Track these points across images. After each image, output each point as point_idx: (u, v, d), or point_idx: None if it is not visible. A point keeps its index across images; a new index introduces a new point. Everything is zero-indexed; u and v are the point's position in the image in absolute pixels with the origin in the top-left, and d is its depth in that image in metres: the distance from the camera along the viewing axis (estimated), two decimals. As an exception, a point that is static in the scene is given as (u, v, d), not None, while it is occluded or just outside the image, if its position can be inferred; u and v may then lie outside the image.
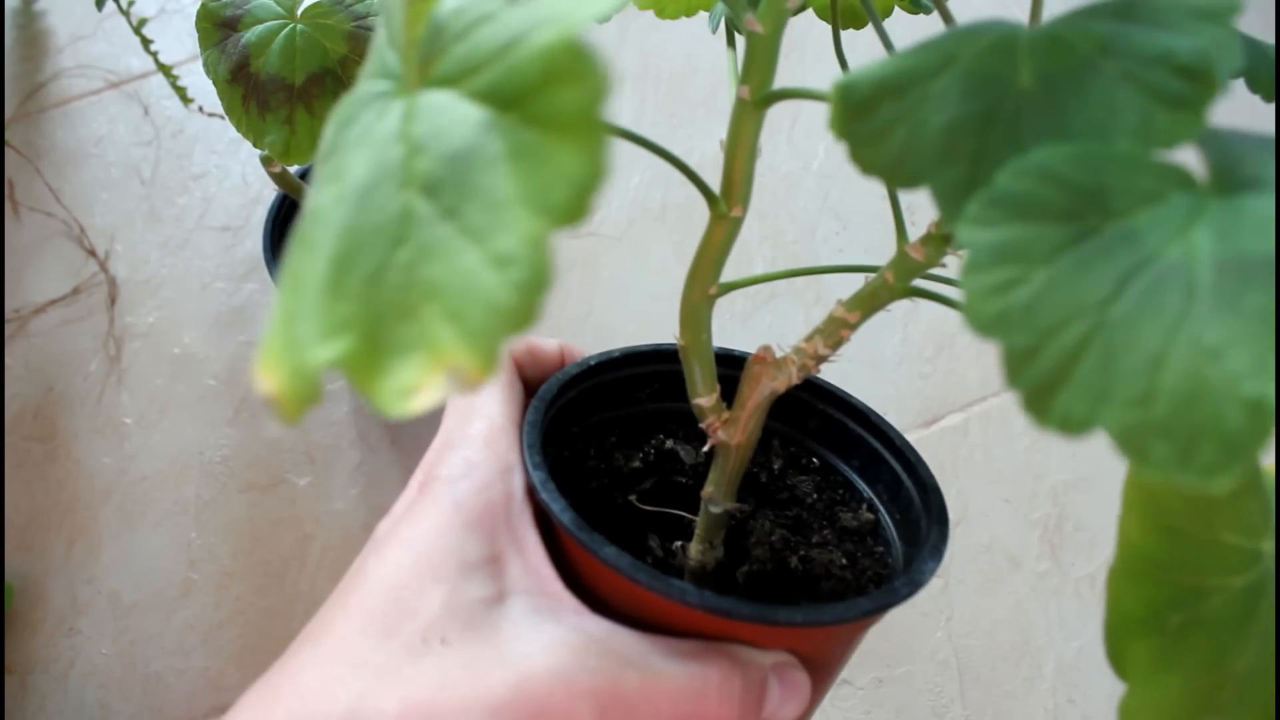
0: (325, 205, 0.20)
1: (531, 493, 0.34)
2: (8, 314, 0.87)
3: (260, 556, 0.80)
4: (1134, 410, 0.16)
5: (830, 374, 0.91)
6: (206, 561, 0.79)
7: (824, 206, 1.00)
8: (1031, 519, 0.86)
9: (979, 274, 0.17)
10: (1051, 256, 0.17)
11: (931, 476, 0.37)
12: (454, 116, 0.19)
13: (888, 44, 0.32)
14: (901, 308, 0.94)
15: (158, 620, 0.77)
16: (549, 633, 0.30)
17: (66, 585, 0.78)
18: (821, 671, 0.34)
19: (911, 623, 0.81)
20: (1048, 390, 0.17)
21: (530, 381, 0.38)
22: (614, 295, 0.94)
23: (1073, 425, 0.16)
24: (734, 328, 0.93)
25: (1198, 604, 0.21)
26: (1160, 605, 0.21)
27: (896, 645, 0.81)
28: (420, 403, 0.17)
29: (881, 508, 0.40)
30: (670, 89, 1.06)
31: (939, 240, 0.26)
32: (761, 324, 0.94)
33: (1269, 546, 0.22)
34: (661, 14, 0.39)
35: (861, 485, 0.41)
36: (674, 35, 1.08)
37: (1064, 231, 0.17)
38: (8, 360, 0.85)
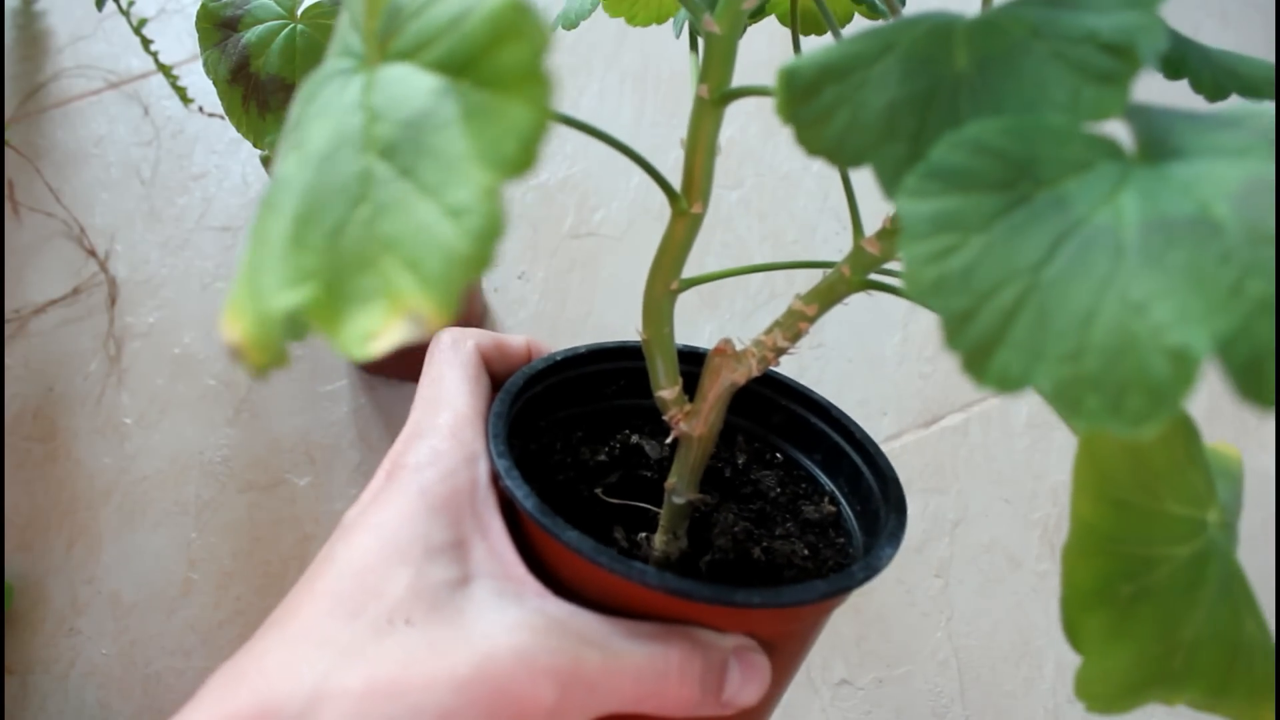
0: (289, 172, 0.21)
1: (496, 480, 0.34)
2: (8, 314, 0.87)
3: (260, 556, 0.80)
4: (1066, 365, 0.17)
5: (831, 374, 0.91)
6: (206, 561, 0.79)
7: (824, 206, 1.00)
8: (1031, 519, 0.86)
9: (917, 243, 0.18)
10: (986, 224, 0.18)
11: (890, 467, 0.38)
12: (411, 86, 0.20)
13: None
14: (901, 308, 0.94)
15: (158, 620, 0.77)
16: (512, 614, 0.30)
17: (66, 585, 0.78)
18: (783, 657, 0.35)
19: (911, 623, 0.81)
20: (985, 350, 0.17)
21: (497, 376, 0.39)
22: (614, 295, 0.94)
23: (1009, 383, 0.17)
24: (734, 327, 0.93)
25: (1147, 574, 0.21)
26: (1112, 577, 0.21)
27: (896, 645, 0.81)
28: (381, 345, 0.19)
29: (843, 500, 0.40)
30: (670, 89, 1.06)
31: (894, 235, 0.27)
32: (762, 323, 0.93)
33: (1214, 516, 0.22)
34: (632, 21, 0.40)
35: (824, 479, 0.42)
36: (674, 36, 1.08)
37: (998, 200, 0.18)
38: (8, 360, 0.86)
